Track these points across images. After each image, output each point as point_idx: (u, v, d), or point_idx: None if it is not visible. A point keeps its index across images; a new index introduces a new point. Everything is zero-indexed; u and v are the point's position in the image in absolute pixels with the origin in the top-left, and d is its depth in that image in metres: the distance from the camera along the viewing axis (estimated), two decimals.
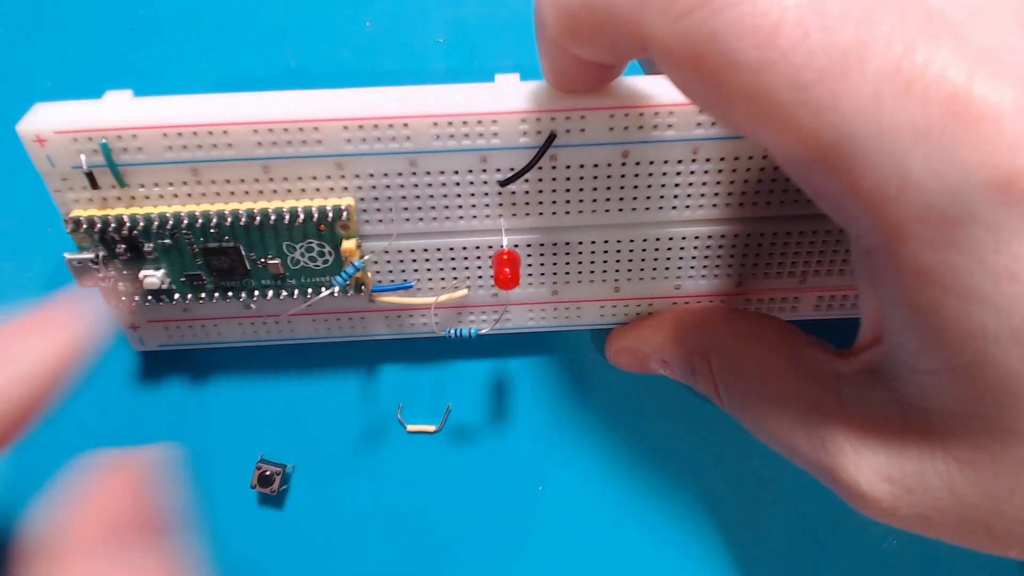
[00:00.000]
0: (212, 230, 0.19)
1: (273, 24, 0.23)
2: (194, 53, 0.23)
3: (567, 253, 0.21)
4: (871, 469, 0.15)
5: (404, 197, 0.19)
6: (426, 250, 0.20)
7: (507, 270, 0.19)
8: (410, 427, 0.24)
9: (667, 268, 0.21)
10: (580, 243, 0.21)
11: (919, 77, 0.11)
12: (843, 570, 0.25)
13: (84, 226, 0.19)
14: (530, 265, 0.21)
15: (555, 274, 0.21)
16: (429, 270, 0.21)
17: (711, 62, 0.12)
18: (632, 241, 0.21)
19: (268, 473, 0.23)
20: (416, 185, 0.19)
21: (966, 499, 0.14)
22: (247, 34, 0.23)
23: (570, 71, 0.16)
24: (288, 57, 0.23)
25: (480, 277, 0.21)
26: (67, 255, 0.20)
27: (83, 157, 0.18)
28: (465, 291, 0.21)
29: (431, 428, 0.24)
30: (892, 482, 0.14)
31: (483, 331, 0.22)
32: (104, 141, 0.18)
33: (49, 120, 0.18)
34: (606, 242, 0.21)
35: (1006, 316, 0.12)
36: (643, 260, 0.21)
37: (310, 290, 0.20)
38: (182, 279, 0.20)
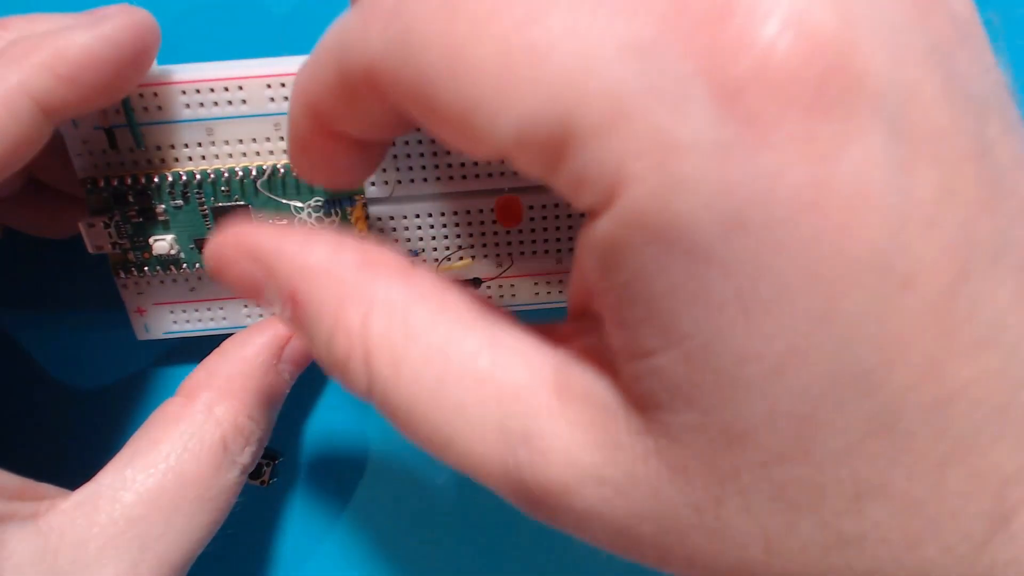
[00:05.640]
0: (223, 188, 0.20)
1: (273, 24, 0.24)
2: (194, 53, 0.24)
3: (569, 216, 0.21)
4: (580, 467, 0.12)
5: (409, 156, 0.20)
6: (431, 215, 0.21)
7: (508, 209, 0.19)
8: None
9: None
10: None
11: None
12: None
13: (100, 184, 0.20)
14: (533, 231, 0.21)
15: (559, 239, 0.21)
16: (434, 238, 0.21)
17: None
18: None
19: (258, 463, 0.22)
20: (420, 142, 0.20)
21: (671, 507, 0.12)
22: (247, 34, 0.23)
23: (337, 157, 0.15)
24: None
25: (484, 245, 0.21)
26: (79, 221, 0.20)
27: (105, 116, 0.19)
28: (469, 260, 0.21)
29: None
30: (603, 483, 0.12)
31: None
32: (127, 96, 0.19)
33: None
34: None
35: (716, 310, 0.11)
36: None
37: None
38: (191, 246, 0.21)
